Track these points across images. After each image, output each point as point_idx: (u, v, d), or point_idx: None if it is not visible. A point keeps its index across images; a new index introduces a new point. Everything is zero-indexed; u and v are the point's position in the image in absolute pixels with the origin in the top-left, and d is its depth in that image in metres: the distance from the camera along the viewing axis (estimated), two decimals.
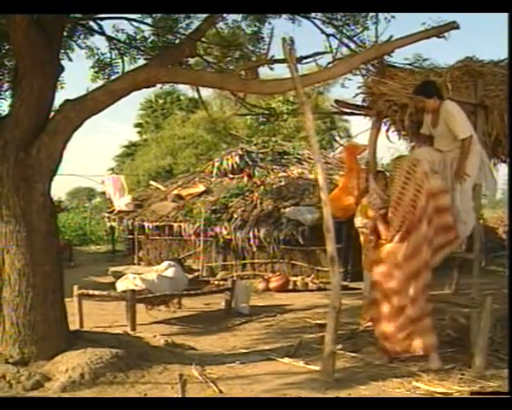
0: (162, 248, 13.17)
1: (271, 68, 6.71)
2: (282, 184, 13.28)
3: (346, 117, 28.64)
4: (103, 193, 31.58)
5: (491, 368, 5.04)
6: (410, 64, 7.36)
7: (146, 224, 12.97)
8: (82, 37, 7.22)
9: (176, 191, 13.97)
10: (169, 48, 6.69)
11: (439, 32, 6.02)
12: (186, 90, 32.28)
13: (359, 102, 8.02)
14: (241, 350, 6.13)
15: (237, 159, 14.28)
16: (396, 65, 7.43)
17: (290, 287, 10.73)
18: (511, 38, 5.96)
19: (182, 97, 32.45)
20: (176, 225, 12.57)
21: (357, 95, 7.80)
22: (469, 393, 4.60)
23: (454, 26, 6.02)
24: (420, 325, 5.29)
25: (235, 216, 12.33)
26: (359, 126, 46.03)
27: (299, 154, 15.49)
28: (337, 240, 8.43)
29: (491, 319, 5.72)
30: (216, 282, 8.96)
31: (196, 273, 11.18)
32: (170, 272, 8.11)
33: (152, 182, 16.69)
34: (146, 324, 7.39)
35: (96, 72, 7.18)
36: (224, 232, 12.09)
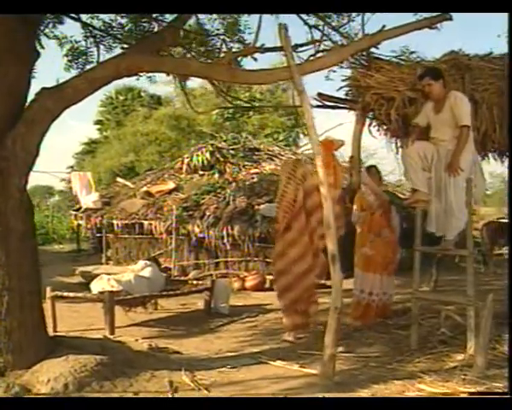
0: (132, 247, 12.74)
1: (255, 59, 6.40)
2: (255, 180, 13.03)
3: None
4: (62, 191, 30.89)
5: (492, 368, 4.90)
6: (396, 57, 7.23)
7: (115, 222, 12.51)
8: (51, 26, 6.79)
9: (145, 188, 13.55)
10: (149, 36, 6.32)
11: (431, 22, 5.87)
12: (147, 87, 31.77)
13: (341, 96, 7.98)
14: (228, 353, 5.84)
15: (208, 155, 13.95)
16: (382, 57, 7.33)
17: (267, 286, 10.49)
18: (511, 38, 5.87)
19: (143, 94, 31.84)
20: (146, 223, 12.15)
21: (341, 88, 7.67)
22: (469, 393, 4.47)
23: (446, 17, 5.88)
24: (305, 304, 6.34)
25: (208, 214, 12.01)
26: (326, 122, 46.13)
27: (269, 150, 15.31)
28: None
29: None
30: (194, 282, 8.61)
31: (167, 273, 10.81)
32: (147, 272, 7.76)
33: (119, 179, 16.18)
34: (123, 326, 7.02)
35: (69, 60, 6.74)
36: (197, 230, 11.75)
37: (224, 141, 15.48)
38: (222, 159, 13.98)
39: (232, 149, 14.51)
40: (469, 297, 5.56)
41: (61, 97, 4.95)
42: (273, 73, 5.37)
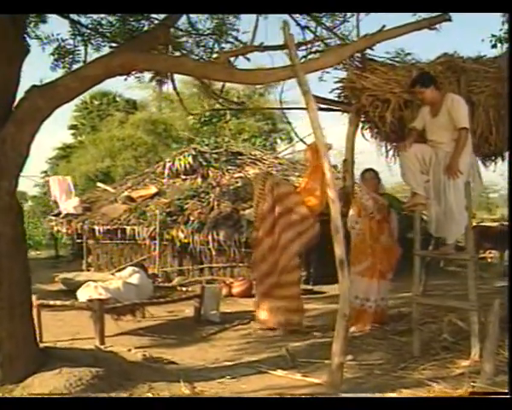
0: (113, 253, 12.43)
1: (248, 59, 6.22)
2: (239, 185, 12.84)
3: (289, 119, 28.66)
4: (35, 196, 30.18)
5: (500, 374, 4.79)
6: (390, 59, 7.13)
7: (96, 227, 12.18)
8: (32, 25, 6.53)
9: (126, 193, 13.24)
10: (141, 34, 6.10)
11: (430, 23, 5.78)
12: (122, 91, 31.40)
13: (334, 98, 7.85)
14: (225, 363, 5.62)
15: (190, 159, 13.72)
16: (376, 59, 7.22)
17: (254, 292, 10.29)
18: (511, 38, 5.81)
19: (118, 98, 31.46)
20: (129, 228, 11.86)
21: (333, 90, 7.54)
22: (469, 393, 4.42)
23: (446, 18, 5.79)
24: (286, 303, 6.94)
25: (192, 219, 11.77)
26: (301, 128, 46.00)
27: (251, 154, 15.16)
28: None
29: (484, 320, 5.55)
30: (183, 288, 8.37)
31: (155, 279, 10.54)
32: (135, 279, 7.49)
33: (99, 183, 15.82)
34: (111, 335, 6.74)
35: (56, 59, 6.47)
36: (181, 236, 11.51)
37: (206, 145, 15.27)
38: (205, 163, 13.77)
39: (215, 153, 14.30)
40: (472, 302, 5.46)
41: (53, 96, 4.71)
42: (272, 72, 5.19)
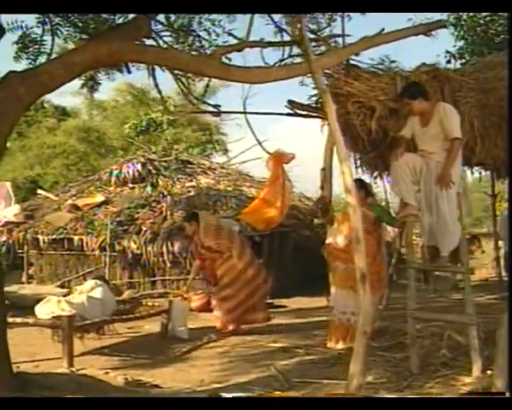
0: (58, 265, 11.53)
1: (229, 59, 5.82)
2: (192, 194, 12.35)
3: (223, 130, 28.58)
4: None
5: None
6: (373, 66, 6.94)
7: (40, 236, 11.29)
8: None
9: (70, 201, 12.42)
10: (121, 24, 5.58)
11: (428, 29, 5.63)
12: (51, 98, 30.09)
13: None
14: (214, 385, 5.15)
15: (139, 167, 13.09)
16: (359, 65, 7.02)
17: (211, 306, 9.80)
18: (511, 39, 5.75)
19: (46, 105, 30.12)
20: (76, 238, 11.07)
21: (311, 96, 7.28)
22: (469, 393, 4.44)
23: (442, 24, 5.67)
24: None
25: (144, 229, 11.16)
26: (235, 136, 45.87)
27: (200, 163, 14.74)
28: (259, 255, 7.99)
29: (482, 335, 5.40)
30: (150, 303, 7.78)
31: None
32: (98, 293, 6.83)
33: (40, 191, 14.82)
34: (76, 355, 6.08)
35: (19, 49, 5.82)
36: (134, 246, 10.86)
37: (154, 153, 14.68)
38: (154, 171, 13.17)
39: (164, 162, 13.73)
40: (471, 316, 5.29)
41: (35, 84, 4.17)
42: (269, 71, 4.86)
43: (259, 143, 8.65)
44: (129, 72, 6.33)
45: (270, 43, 5.11)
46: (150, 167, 13.18)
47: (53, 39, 5.92)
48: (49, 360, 5.78)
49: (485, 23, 10.83)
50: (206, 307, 9.73)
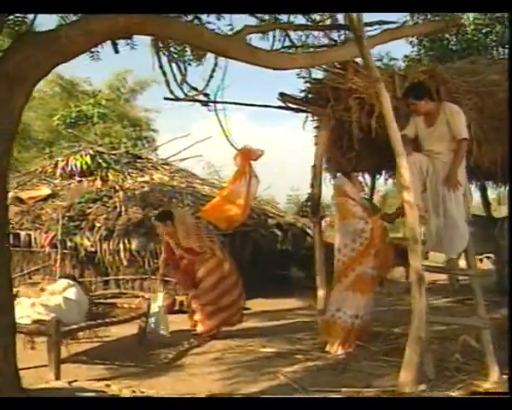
0: None
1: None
2: (146, 189, 11.73)
3: (154, 127, 27.90)
4: None
5: None
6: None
7: None
8: None
9: (12, 193, 11.42)
10: None
11: (447, 24, 5.50)
12: None
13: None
14: (225, 396, 4.71)
15: (88, 159, 12.30)
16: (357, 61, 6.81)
17: (176, 308, 9.28)
18: (511, 38, 5.72)
19: None
20: (23, 233, 10.18)
21: (303, 91, 7.01)
22: (469, 393, 4.39)
23: (459, 22, 5.57)
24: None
25: (98, 225, 10.44)
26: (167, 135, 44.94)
27: (149, 158, 14.12)
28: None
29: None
30: (126, 305, 7.15)
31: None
32: (72, 294, 6.19)
33: None
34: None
35: None
36: (87, 243, 10.13)
37: (100, 145, 13.89)
38: (104, 164, 12.41)
39: (113, 155, 13.00)
40: (484, 320, 5.19)
41: (55, 49, 3.61)
42: (296, 58, 4.55)
43: (227, 138, 8.29)
44: (116, 51, 5.74)
45: (303, 26, 4.77)
46: (100, 160, 12.41)
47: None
48: (29, 368, 5.07)
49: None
50: (171, 309, 9.22)
